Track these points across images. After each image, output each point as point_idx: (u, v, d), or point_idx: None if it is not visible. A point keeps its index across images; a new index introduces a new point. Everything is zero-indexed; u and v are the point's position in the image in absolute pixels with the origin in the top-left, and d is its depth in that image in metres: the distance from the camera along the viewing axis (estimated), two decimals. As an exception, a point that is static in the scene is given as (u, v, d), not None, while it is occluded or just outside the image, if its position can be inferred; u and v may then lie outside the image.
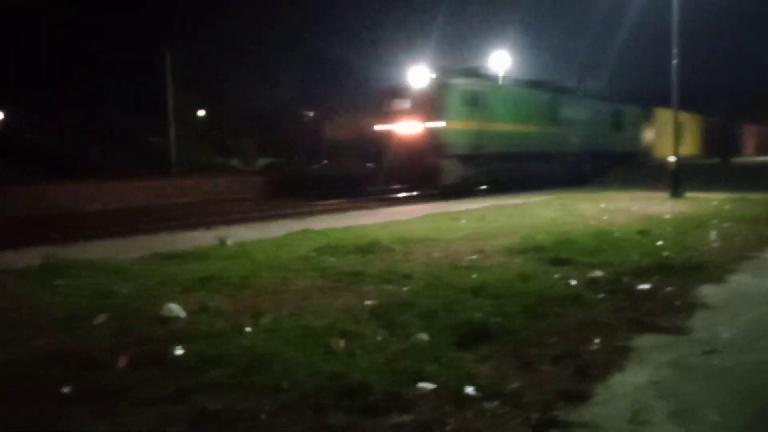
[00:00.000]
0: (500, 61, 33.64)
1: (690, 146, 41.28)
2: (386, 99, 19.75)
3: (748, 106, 65.30)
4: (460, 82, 19.51)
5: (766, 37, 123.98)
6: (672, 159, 17.66)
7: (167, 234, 10.84)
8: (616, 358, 4.03)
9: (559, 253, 7.54)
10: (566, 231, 9.66)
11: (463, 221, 11.51)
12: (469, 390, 3.49)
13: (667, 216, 11.78)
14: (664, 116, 37.82)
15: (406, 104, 19.07)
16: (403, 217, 12.54)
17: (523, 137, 21.90)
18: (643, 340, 4.38)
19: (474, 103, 19.45)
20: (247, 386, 3.58)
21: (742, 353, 4.10)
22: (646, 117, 33.95)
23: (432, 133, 18.56)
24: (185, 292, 5.80)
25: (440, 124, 18.58)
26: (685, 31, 17.80)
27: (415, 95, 19.05)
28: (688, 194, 16.70)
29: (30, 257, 7.64)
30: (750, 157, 54.66)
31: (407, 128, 19.00)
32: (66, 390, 3.58)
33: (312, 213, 15.00)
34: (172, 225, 12.49)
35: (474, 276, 6.24)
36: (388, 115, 19.39)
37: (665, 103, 27.32)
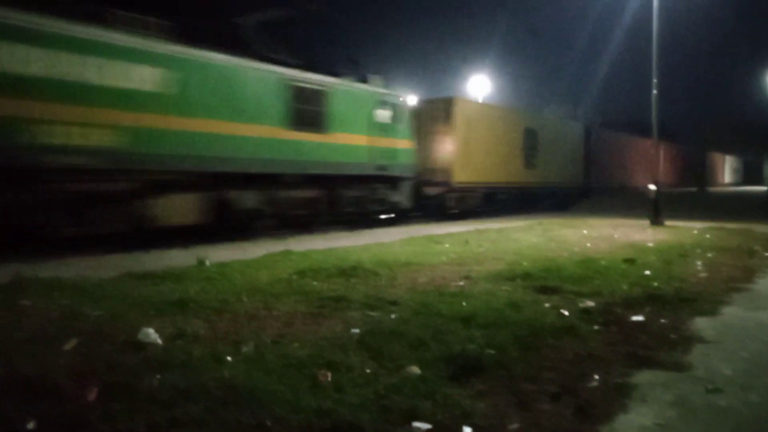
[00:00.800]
0: (479, 85, 33.93)
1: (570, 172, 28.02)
2: None
3: (719, 136, 66.88)
4: None
5: (736, 72, 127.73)
6: (653, 187, 17.78)
7: (142, 253, 10.48)
8: (616, 396, 3.85)
9: (546, 280, 7.41)
10: (551, 258, 9.55)
11: (446, 245, 11.34)
12: (467, 431, 3.27)
13: (650, 244, 11.75)
14: (469, 111, 20.99)
15: None
16: (386, 239, 12.35)
17: None
18: (643, 377, 4.21)
19: None
20: (226, 422, 3.31)
21: (746, 392, 3.95)
22: (436, 113, 19.77)
23: None
24: (160, 316, 5.49)
25: None
26: (661, 64, 18.02)
27: None
28: (668, 222, 16.81)
29: (-3, 274, 7.25)
30: (722, 186, 55.60)
31: None
32: (31, 426, 3.27)
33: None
34: (147, 243, 12.08)
35: (463, 304, 6.03)
36: None
37: (645, 132, 27.54)
